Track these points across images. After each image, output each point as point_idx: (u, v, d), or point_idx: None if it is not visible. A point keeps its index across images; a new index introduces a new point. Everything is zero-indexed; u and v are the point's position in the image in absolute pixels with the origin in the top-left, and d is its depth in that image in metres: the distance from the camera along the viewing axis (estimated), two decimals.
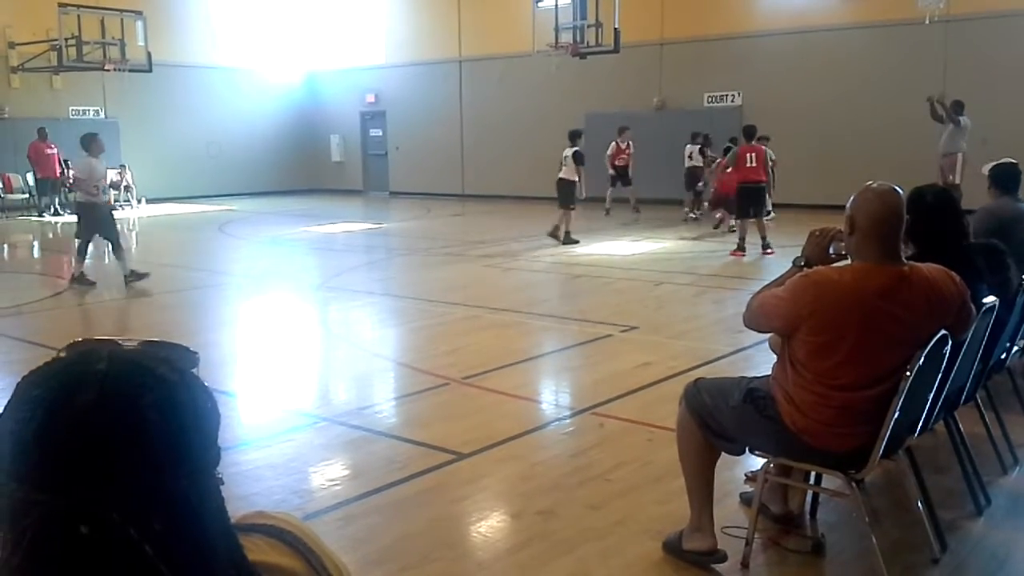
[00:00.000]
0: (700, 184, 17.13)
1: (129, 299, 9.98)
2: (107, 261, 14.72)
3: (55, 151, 19.91)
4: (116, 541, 0.78)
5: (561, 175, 14.15)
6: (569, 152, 14.06)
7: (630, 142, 17.87)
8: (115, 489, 0.79)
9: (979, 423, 4.30)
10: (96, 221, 10.49)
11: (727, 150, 15.89)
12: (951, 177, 13.16)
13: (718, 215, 15.75)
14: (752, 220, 12.51)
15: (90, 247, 10.57)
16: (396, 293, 10.32)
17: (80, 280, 10.31)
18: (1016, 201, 5.57)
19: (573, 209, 14.07)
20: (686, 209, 17.29)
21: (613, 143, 17.91)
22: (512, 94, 22.32)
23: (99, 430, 0.80)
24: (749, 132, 12.97)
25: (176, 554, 0.81)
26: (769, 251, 12.20)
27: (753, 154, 12.60)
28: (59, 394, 0.81)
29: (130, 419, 0.81)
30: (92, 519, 0.78)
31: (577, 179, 13.89)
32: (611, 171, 17.97)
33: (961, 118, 13.78)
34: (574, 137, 14.23)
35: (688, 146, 17.15)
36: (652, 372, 6.27)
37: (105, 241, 10.67)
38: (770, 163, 13.12)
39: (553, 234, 14.00)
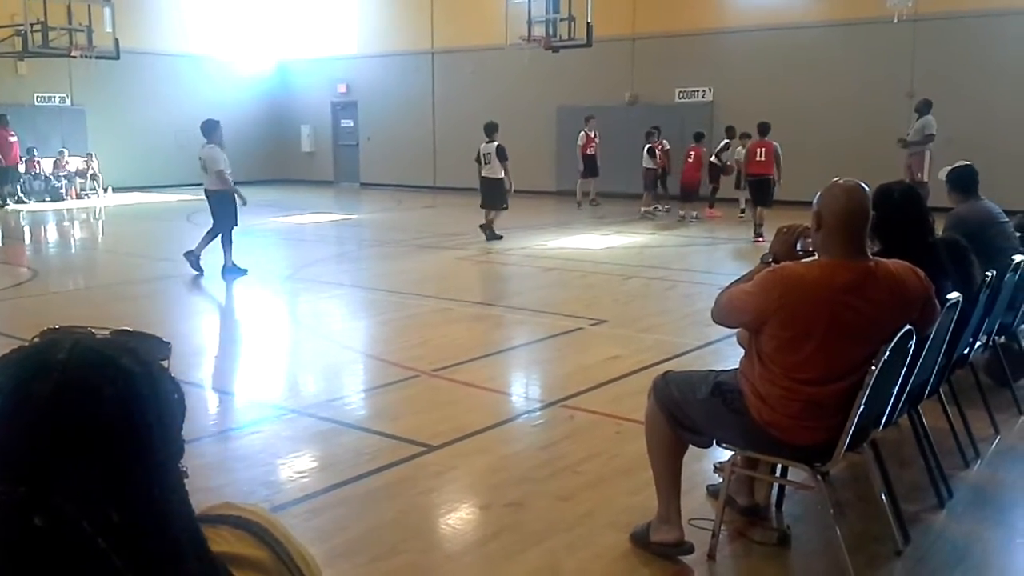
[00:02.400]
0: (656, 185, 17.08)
1: (95, 289, 9.86)
2: (74, 250, 14.53)
3: (16, 139, 19.58)
4: (70, 533, 0.77)
5: (486, 174, 13.37)
6: (491, 148, 13.29)
7: (596, 131, 17.97)
8: (70, 481, 0.78)
9: (942, 417, 4.36)
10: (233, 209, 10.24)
11: (698, 136, 16.13)
12: (919, 175, 13.33)
13: (682, 211, 15.97)
14: (760, 209, 13.55)
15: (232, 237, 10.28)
16: (366, 285, 10.28)
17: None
18: (981, 201, 5.63)
19: (505, 209, 13.49)
20: (643, 208, 16.90)
21: (582, 132, 17.98)
22: (484, 86, 22.27)
23: (56, 421, 0.79)
24: (763, 128, 13.80)
25: (136, 546, 0.80)
26: (760, 239, 12.62)
27: (762, 149, 13.61)
28: (17, 384, 0.80)
29: (88, 410, 0.80)
30: (46, 510, 0.77)
31: (504, 175, 13.23)
32: (581, 163, 18.02)
33: (927, 116, 13.96)
34: (491, 131, 13.39)
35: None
36: (621, 365, 6.30)
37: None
38: (780, 158, 13.78)
39: (487, 230, 13.43)
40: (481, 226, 13.50)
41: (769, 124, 13.87)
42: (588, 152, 17.98)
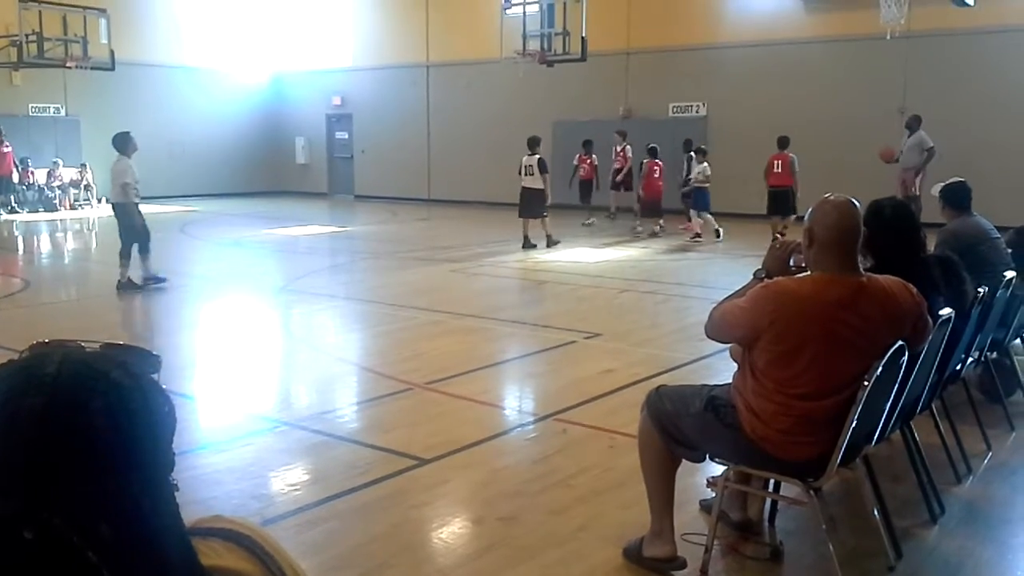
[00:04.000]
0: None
1: (87, 300, 9.83)
2: (67, 260, 14.49)
3: (10, 149, 19.57)
4: (60, 547, 0.77)
5: (527, 184, 14.13)
6: (534, 160, 14.08)
7: (593, 155, 17.90)
8: (60, 495, 0.78)
9: (934, 433, 4.37)
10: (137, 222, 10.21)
11: (652, 150, 16.10)
12: (912, 190, 13.40)
13: (647, 225, 16.04)
14: (777, 219, 14.07)
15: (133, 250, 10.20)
16: (360, 297, 10.27)
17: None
18: (973, 217, 5.67)
19: (546, 216, 14.19)
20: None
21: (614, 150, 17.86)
22: (479, 100, 22.34)
23: (46, 435, 0.79)
24: (782, 142, 14.41)
25: (126, 560, 0.80)
26: None
27: (780, 161, 14.25)
28: (6, 399, 0.80)
29: (78, 424, 0.80)
30: (36, 524, 0.77)
31: (544, 187, 14.03)
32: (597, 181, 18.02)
33: (919, 132, 14.04)
34: (534, 145, 14.24)
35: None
36: (614, 379, 6.30)
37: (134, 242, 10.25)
38: (796, 169, 14.28)
39: (547, 242, 14.15)
40: (524, 244, 14.17)
41: (788, 138, 14.46)
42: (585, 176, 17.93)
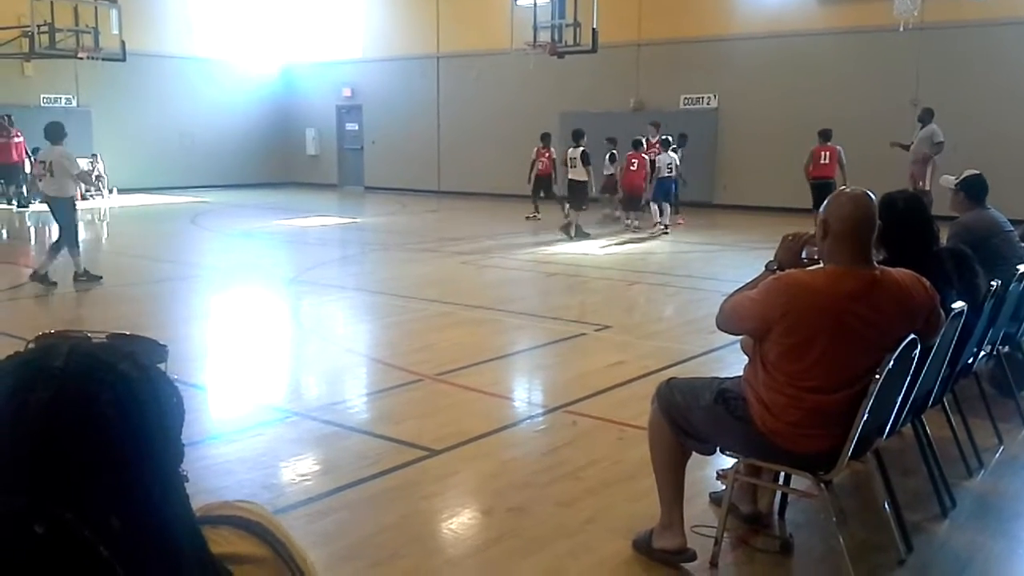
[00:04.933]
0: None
1: (97, 291, 9.86)
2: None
3: (21, 139, 19.63)
4: (71, 541, 0.77)
5: (571, 176, 14.46)
6: (577, 153, 14.30)
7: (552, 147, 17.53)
8: (71, 488, 0.78)
9: (946, 427, 4.35)
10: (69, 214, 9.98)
11: (636, 143, 15.86)
12: (920, 183, 13.34)
13: (627, 220, 15.81)
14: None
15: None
16: (370, 288, 10.28)
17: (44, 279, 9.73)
18: (987, 211, 5.65)
19: (585, 209, 14.53)
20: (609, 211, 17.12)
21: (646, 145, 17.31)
22: (489, 91, 22.31)
23: (55, 428, 0.79)
24: (824, 134, 14.36)
25: (137, 552, 0.80)
26: None
27: (827, 152, 14.19)
28: (13, 391, 0.80)
29: (87, 417, 0.80)
30: (47, 518, 0.77)
31: (588, 179, 14.29)
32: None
33: (931, 125, 13.99)
34: (578, 137, 14.45)
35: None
36: (624, 371, 6.30)
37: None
38: (844, 161, 14.26)
39: (564, 230, 14.37)
40: (562, 227, 14.43)
41: (831, 130, 14.38)
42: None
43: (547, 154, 17.14)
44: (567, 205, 14.93)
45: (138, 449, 0.82)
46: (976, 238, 5.11)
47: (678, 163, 15.72)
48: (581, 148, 14.36)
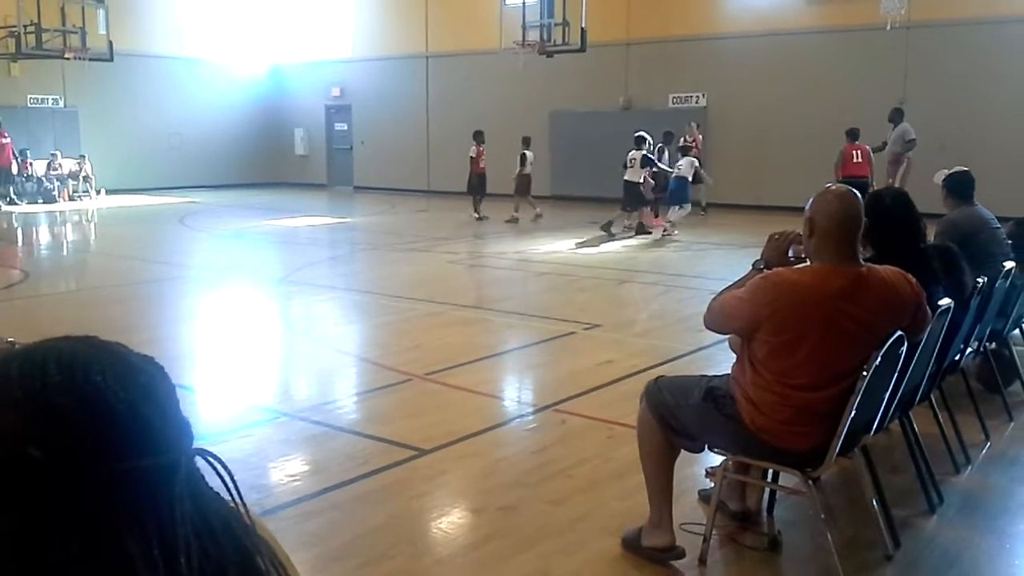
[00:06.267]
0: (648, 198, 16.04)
1: (86, 291, 9.83)
2: (66, 252, 14.50)
3: (8, 140, 19.54)
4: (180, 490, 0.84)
5: (627, 177, 14.62)
6: (638, 155, 14.57)
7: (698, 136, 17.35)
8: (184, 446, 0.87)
9: (933, 423, 4.37)
10: None
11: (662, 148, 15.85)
12: (891, 180, 13.53)
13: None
14: None
15: None
16: (359, 288, 10.27)
17: None
18: (974, 207, 5.67)
19: (629, 211, 14.78)
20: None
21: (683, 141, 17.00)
22: (478, 91, 22.29)
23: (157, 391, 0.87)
24: (853, 134, 14.14)
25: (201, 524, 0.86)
26: None
27: (859, 152, 14.01)
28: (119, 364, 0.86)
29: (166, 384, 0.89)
30: (179, 473, 0.84)
31: (642, 181, 14.54)
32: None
33: (903, 124, 14.19)
34: (640, 142, 14.73)
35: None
36: (614, 370, 6.31)
37: None
38: (873, 160, 14.17)
39: (632, 228, 14.63)
40: (627, 226, 14.74)
41: (858, 129, 14.23)
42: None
43: (482, 152, 17.16)
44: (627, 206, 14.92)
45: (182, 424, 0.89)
46: (963, 235, 5.14)
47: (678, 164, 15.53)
48: (643, 152, 14.60)
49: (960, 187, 5.70)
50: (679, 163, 15.02)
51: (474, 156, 17.18)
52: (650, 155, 14.77)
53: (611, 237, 14.21)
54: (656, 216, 15.88)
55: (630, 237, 14.48)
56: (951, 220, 5.54)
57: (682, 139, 16.39)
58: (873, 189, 3.42)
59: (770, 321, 3.03)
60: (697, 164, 15.39)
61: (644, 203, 14.95)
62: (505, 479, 4.34)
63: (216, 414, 5.61)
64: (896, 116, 14.36)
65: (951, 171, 5.84)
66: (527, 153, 16.93)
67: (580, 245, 13.51)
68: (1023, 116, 15.91)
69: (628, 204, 14.83)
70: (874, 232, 3.57)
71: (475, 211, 17.07)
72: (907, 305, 3.17)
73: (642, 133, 15.07)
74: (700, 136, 17.41)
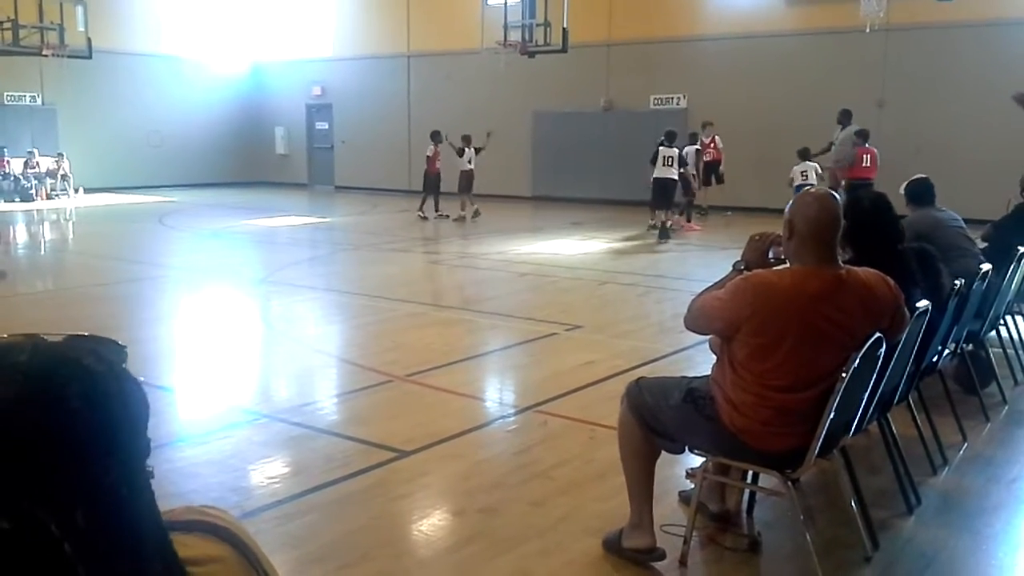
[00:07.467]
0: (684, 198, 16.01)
1: (63, 291, 9.74)
2: (43, 251, 14.37)
3: None
4: (37, 536, 0.76)
5: (660, 175, 14.53)
6: (673, 152, 14.54)
7: (715, 137, 17.37)
8: (39, 483, 0.77)
9: (911, 424, 4.41)
10: None
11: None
12: (840, 182, 13.70)
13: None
14: None
15: None
16: (340, 288, 10.23)
17: None
18: (933, 210, 5.92)
19: (668, 210, 14.69)
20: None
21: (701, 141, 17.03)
22: (460, 91, 22.27)
23: (22, 424, 0.77)
24: (864, 135, 14.29)
25: (100, 548, 0.79)
26: None
27: (868, 155, 14.14)
28: None
29: (54, 411, 0.79)
30: (14, 514, 0.76)
31: (676, 178, 14.56)
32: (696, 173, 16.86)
33: (851, 126, 14.37)
34: (672, 138, 14.69)
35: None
36: (595, 371, 6.31)
37: None
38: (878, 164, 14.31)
39: (656, 227, 14.56)
40: (653, 225, 14.77)
41: (868, 131, 14.30)
42: (705, 159, 17.05)
43: (438, 153, 17.38)
44: (657, 207, 14.84)
45: (105, 443, 0.81)
46: (918, 235, 5.28)
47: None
48: (676, 149, 14.57)
49: (916, 194, 6.01)
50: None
51: (430, 156, 17.41)
52: (683, 155, 14.80)
53: (668, 238, 14.22)
54: (688, 220, 15.91)
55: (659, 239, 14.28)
56: (908, 222, 5.73)
57: (698, 142, 16.46)
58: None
59: (750, 322, 3.05)
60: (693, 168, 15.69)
61: (672, 203, 14.78)
62: (486, 480, 4.33)
63: (195, 415, 5.58)
64: (844, 118, 14.55)
65: (911, 179, 6.13)
66: (467, 150, 17.07)
67: (627, 239, 13.87)
68: (999, 120, 16.07)
69: (660, 203, 14.64)
70: (853, 234, 3.61)
71: (420, 210, 17.26)
72: (886, 307, 3.19)
73: (673, 130, 15.08)
74: (717, 138, 17.29)
